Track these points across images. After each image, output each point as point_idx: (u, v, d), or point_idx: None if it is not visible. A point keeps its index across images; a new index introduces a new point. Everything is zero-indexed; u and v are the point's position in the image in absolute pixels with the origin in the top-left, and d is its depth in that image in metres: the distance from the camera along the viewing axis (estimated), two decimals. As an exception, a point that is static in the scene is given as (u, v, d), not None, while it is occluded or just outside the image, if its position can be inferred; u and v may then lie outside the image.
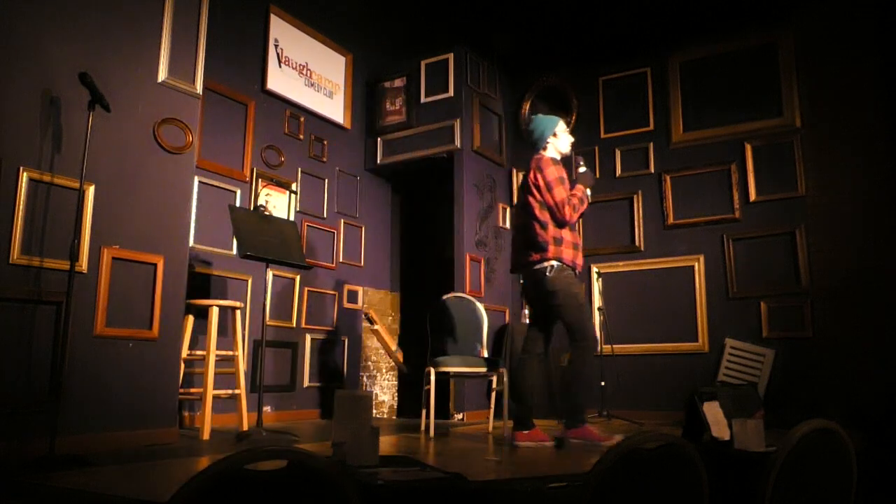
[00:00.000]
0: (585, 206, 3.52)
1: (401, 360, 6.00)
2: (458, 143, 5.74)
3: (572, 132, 6.03)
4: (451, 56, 5.88)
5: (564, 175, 3.52)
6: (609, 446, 1.25)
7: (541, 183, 3.50)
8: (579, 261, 3.56)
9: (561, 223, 3.47)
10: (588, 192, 3.59)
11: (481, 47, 6.11)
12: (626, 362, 5.43)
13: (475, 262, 5.74)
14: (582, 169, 3.64)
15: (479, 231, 5.86)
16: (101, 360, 3.26)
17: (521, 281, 3.76)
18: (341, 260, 5.73)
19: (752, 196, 5.26)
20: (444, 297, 4.57)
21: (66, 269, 2.96)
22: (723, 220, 5.35)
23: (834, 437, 1.50)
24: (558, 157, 3.69)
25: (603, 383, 5.24)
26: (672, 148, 5.66)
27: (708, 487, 1.33)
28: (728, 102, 5.46)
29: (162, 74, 3.69)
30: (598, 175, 3.60)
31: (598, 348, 3.47)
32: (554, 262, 3.44)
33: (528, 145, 3.85)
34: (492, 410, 4.46)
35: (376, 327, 5.92)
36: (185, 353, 3.89)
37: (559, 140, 3.70)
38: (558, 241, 3.45)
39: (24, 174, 3.04)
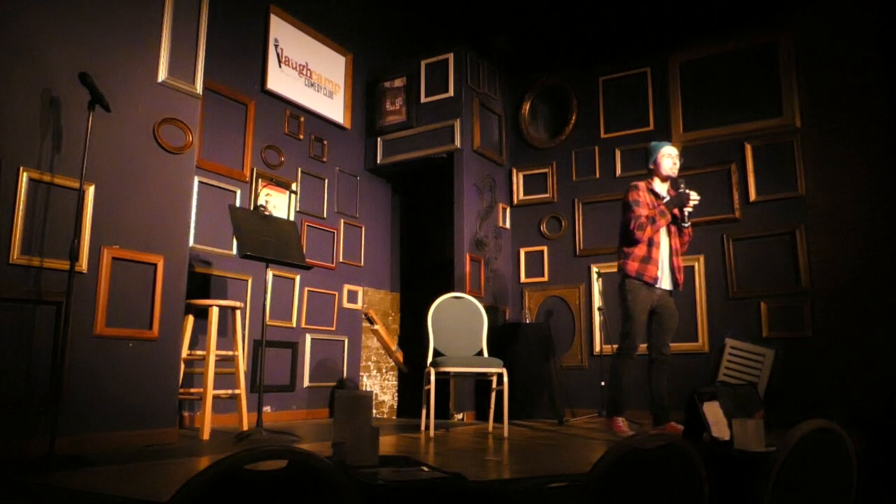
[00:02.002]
0: (661, 222, 3.93)
1: (401, 360, 6.00)
2: (458, 143, 5.74)
3: (572, 132, 6.15)
4: (451, 56, 5.87)
5: (640, 198, 3.96)
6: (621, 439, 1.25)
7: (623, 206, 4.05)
8: (647, 272, 3.91)
9: (630, 241, 3.96)
10: (686, 211, 3.96)
11: (481, 47, 6.11)
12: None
13: (475, 262, 5.74)
14: (681, 190, 3.97)
15: (479, 231, 5.86)
16: (101, 360, 3.26)
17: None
18: (341, 260, 5.73)
19: (752, 196, 5.26)
20: (444, 296, 4.57)
21: (66, 269, 2.96)
22: (723, 220, 5.35)
23: (834, 437, 1.50)
24: (661, 182, 4.07)
25: (603, 383, 5.24)
26: (672, 148, 5.65)
27: (708, 487, 1.33)
28: (728, 102, 5.46)
29: (162, 74, 3.69)
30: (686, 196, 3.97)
31: (626, 358, 3.95)
32: (622, 274, 3.98)
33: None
34: (492, 410, 4.46)
35: (376, 327, 5.92)
36: (185, 353, 3.89)
37: (659, 166, 4.06)
38: (626, 255, 3.98)
39: (24, 174, 3.04)
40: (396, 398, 6.10)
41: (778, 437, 1.52)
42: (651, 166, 4.10)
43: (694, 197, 3.93)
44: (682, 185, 3.96)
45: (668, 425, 3.81)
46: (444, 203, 5.87)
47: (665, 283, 3.98)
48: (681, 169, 5.47)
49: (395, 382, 6.12)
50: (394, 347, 6.01)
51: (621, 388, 3.92)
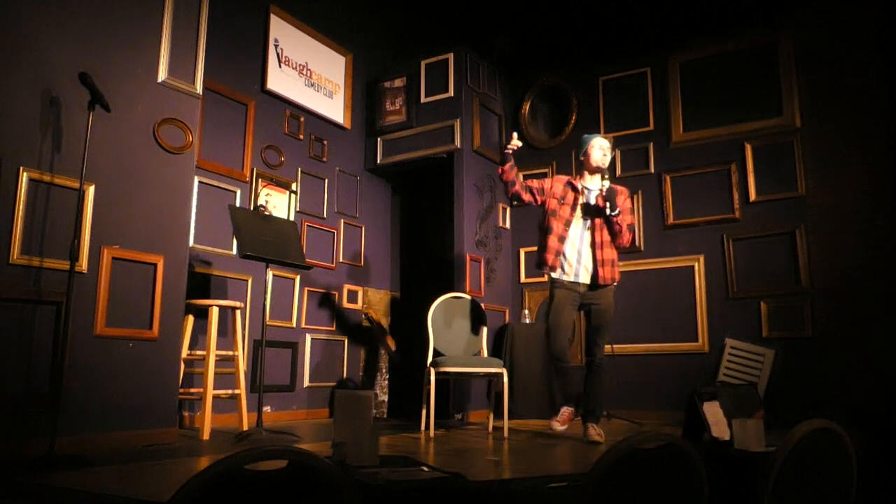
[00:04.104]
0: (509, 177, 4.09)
1: (392, 346, 5.93)
2: (458, 143, 5.74)
3: (572, 132, 6.14)
4: (451, 56, 5.87)
5: (543, 182, 4.02)
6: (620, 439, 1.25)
7: None
8: (544, 260, 3.89)
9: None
10: (605, 201, 3.82)
11: (481, 47, 6.11)
12: (626, 362, 5.43)
13: (475, 262, 5.74)
14: (605, 180, 3.88)
15: (479, 231, 5.86)
16: (101, 360, 3.26)
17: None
18: (341, 260, 5.73)
19: (752, 196, 5.26)
20: (444, 296, 4.57)
21: (66, 269, 2.96)
22: (723, 220, 5.34)
23: (834, 437, 1.50)
24: (591, 175, 3.96)
25: (603, 383, 5.23)
26: (672, 148, 5.66)
27: (708, 487, 1.33)
28: (728, 102, 5.45)
29: (162, 74, 3.69)
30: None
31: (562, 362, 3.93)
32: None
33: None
34: (491, 410, 4.46)
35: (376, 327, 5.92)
36: (185, 353, 3.89)
37: (589, 157, 3.95)
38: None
39: (24, 174, 3.04)
40: (393, 397, 6.08)
41: (778, 437, 1.52)
42: (581, 157, 3.99)
43: (600, 185, 3.83)
44: (606, 176, 3.84)
45: (589, 426, 3.74)
46: (444, 203, 5.87)
47: (582, 276, 3.84)
48: (681, 169, 5.56)
49: (396, 382, 6.10)
50: (394, 348, 5.98)
51: (563, 390, 3.96)
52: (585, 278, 3.86)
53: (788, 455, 1.37)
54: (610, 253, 3.87)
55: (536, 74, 6.43)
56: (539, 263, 3.93)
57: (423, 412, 4.21)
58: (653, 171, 5.71)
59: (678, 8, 5.63)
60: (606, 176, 3.85)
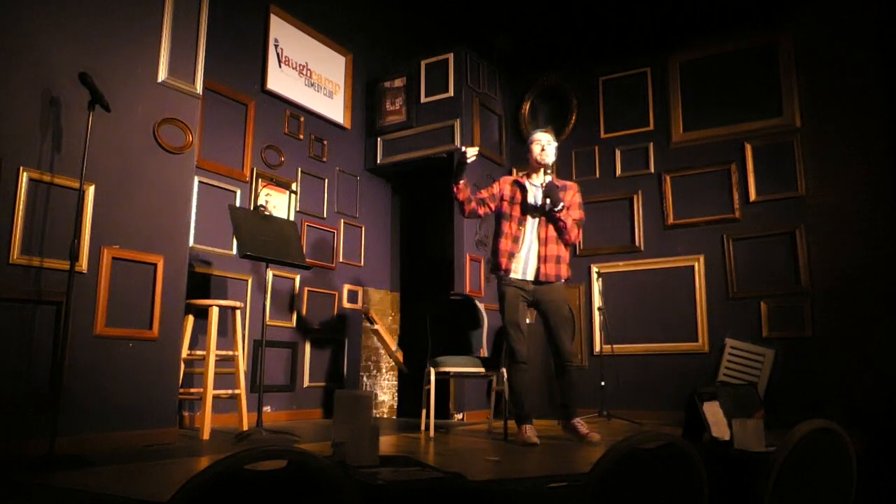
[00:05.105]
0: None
1: (401, 360, 5.99)
2: (458, 143, 5.73)
3: (572, 132, 6.14)
4: (451, 56, 5.87)
5: (492, 188, 3.92)
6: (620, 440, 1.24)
7: None
8: (498, 265, 3.81)
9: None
10: (546, 199, 3.74)
11: (481, 47, 6.11)
12: (626, 362, 5.43)
13: (475, 262, 5.74)
14: (547, 175, 3.82)
15: (479, 231, 5.86)
16: (101, 360, 3.26)
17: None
18: (341, 260, 5.73)
19: (752, 196, 5.26)
20: (444, 296, 4.57)
21: (66, 269, 2.96)
22: (723, 220, 5.35)
23: (834, 437, 1.50)
24: (536, 170, 3.87)
25: (603, 383, 5.23)
26: (672, 148, 5.66)
27: (708, 487, 1.33)
28: (728, 102, 5.46)
29: (162, 74, 3.69)
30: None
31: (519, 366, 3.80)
32: None
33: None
34: (492, 410, 4.46)
35: (376, 327, 5.92)
36: (185, 353, 3.89)
37: (530, 153, 3.89)
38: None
39: (24, 174, 3.04)
40: (396, 398, 6.09)
41: (778, 437, 1.52)
42: (527, 155, 3.93)
43: (541, 182, 3.76)
44: (548, 171, 3.79)
45: (570, 422, 3.73)
46: (444, 203, 5.86)
47: (528, 273, 3.78)
48: (681, 169, 5.56)
49: (395, 382, 6.11)
50: (394, 347, 6.00)
51: (517, 397, 3.77)
52: (530, 275, 3.79)
53: (788, 455, 1.37)
54: (556, 249, 3.79)
55: (536, 74, 6.43)
56: (493, 268, 3.86)
57: (423, 412, 4.21)
58: (653, 171, 5.71)
59: (678, 8, 5.64)
60: (549, 171, 3.80)
